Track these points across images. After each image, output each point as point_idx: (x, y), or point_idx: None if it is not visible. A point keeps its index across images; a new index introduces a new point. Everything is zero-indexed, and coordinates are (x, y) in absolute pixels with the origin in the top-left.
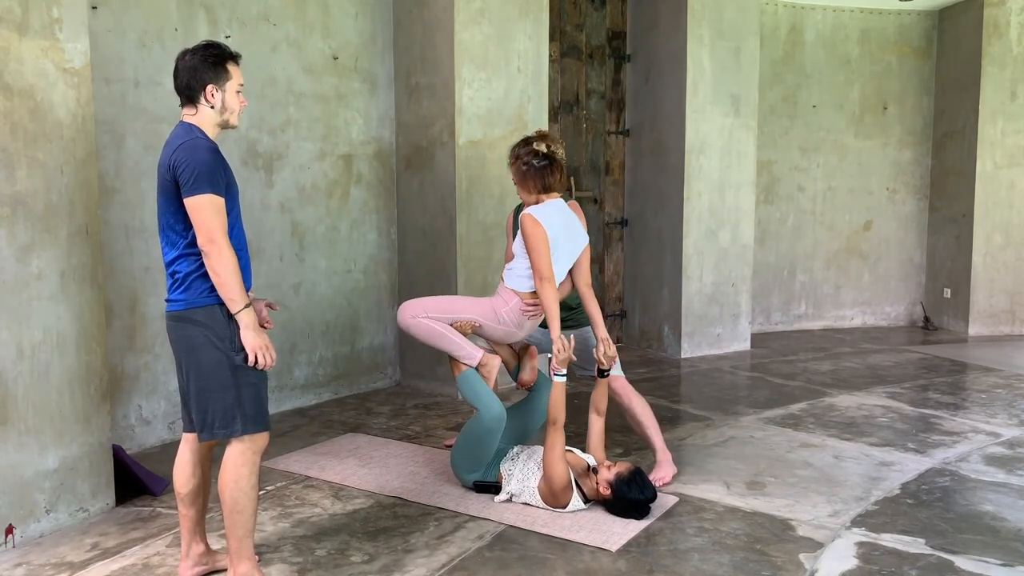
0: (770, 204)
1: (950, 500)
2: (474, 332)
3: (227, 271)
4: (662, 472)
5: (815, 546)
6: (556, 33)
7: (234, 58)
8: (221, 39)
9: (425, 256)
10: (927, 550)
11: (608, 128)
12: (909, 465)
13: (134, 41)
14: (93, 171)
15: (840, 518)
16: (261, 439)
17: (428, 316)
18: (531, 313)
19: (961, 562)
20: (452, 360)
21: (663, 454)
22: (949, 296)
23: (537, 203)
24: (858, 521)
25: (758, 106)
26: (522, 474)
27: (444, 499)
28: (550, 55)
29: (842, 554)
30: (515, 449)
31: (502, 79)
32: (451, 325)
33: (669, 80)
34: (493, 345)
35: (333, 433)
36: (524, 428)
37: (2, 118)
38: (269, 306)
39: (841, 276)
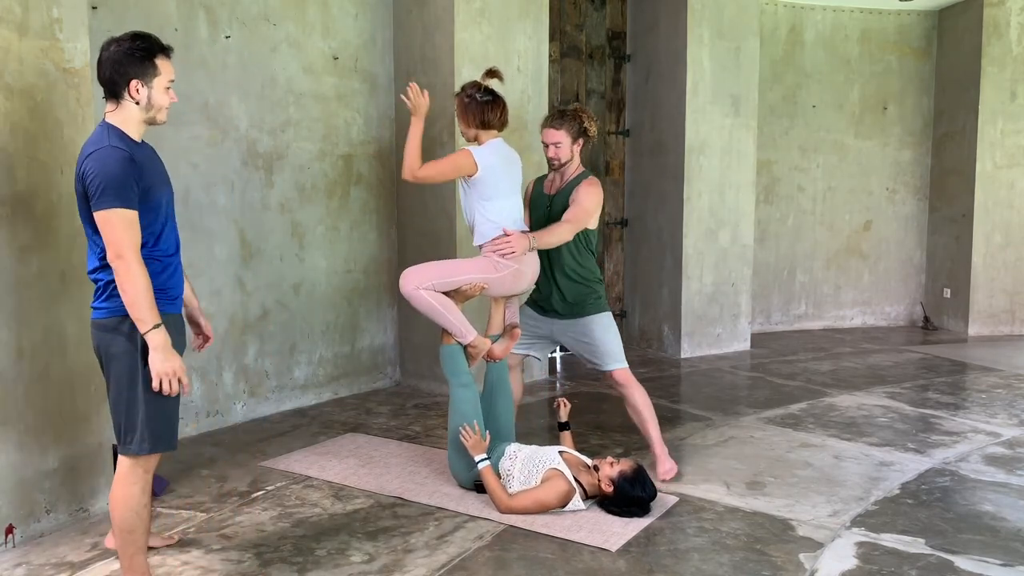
0: (770, 204)
1: (950, 500)
2: (483, 294)
3: (135, 288)
4: (662, 468)
5: (815, 546)
6: (556, 33)
7: (165, 51)
8: (221, 39)
9: (425, 256)
10: (927, 550)
11: (608, 128)
12: (909, 465)
13: None
14: None
15: (840, 518)
16: (156, 460)
17: (432, 286)
18: (506, 249)
19: (961, 562)
20: (443, 330)
21: (659, 448)
22: (949, 296)
23: (475, 140)
24: (858, 521)
25: (758, 106)
26: (522, 475)
27: (444, 499)
28: (550, 55)
29: (842, 554)
30: (512, 448)
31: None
32: (459, 291)
33: (669, 80)
34: (494, 309)
35: (333, 433)
36: (495, 428)
37: (2, 118)
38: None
39: (841, 276)
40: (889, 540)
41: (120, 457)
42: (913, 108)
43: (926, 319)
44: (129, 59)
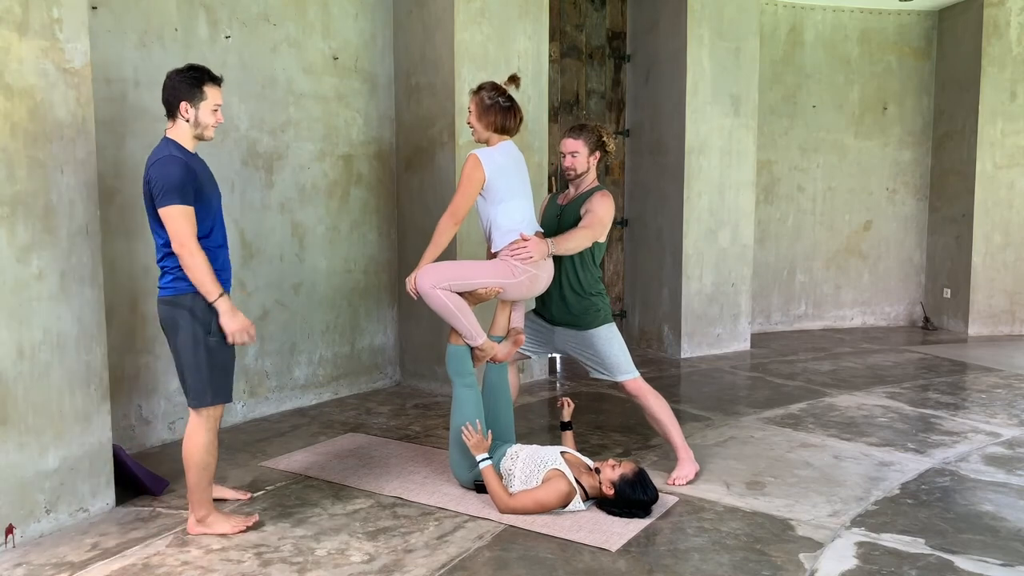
0: (770, 204)
1: (950, 500)
2: (498, 297)
3: (198, 268)
4: (685, 471)
5: (815, 546)
6: (556, 33)
7: (214, 80)
8: (221, 39)
9: None
10: (927, 550)
11: (608, 128)
12: (909, 465)
13: (134, 41)
14: (93, 171)
15: (840, 518)
16: (220, 409)
17: (448, 286)
18: (523, 254)
19: (961, 562)
20: (452, 329)
21: (683, 452)
22: (949, 296)
23: (487, 142)
24: (858, 521)
25: (758, 106)
26: (524, 475)
27: (444, 499)
28: (550, 55)
29: (842, 554)
30: (514, 448)
31: (502, 79)
32: (473, 293)
33: (669, 80)
34: (500, 311)
35: (333, 433)
36: (495, 428)
37: (2, 118)
38: None
39: (841, 276)
40: (889, 540)
41: (191, 411)
42: (913, 108)
43: (926, 319)
44: (181, 85)
